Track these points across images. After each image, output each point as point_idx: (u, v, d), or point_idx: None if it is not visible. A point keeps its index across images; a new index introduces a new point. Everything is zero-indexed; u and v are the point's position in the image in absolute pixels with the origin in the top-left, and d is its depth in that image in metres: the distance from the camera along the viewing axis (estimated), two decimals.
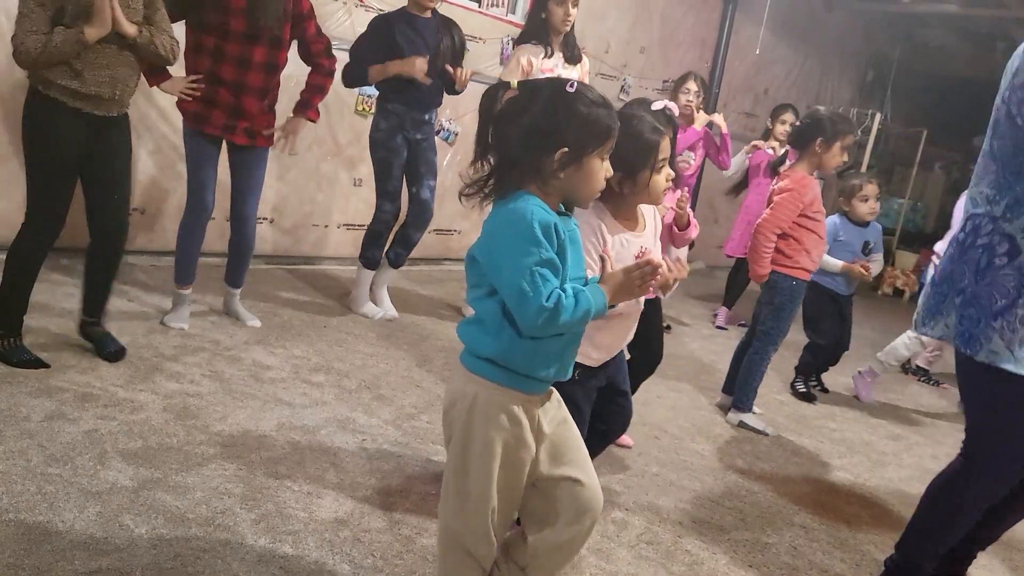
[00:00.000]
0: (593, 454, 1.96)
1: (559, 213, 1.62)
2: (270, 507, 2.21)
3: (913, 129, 9.40)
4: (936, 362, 5.27)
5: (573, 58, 4.08)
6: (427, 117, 4.03)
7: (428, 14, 3.88)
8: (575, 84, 1.60)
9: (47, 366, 2.79)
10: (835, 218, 4.19)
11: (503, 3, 5.65)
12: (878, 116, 8.55)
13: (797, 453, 3.45)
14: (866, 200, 4.13)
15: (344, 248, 5.20)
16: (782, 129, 5.45)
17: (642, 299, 2.25)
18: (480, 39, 5.49)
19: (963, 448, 2.25)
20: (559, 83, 1.61)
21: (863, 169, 8.44)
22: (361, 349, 3.63)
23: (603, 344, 2.26)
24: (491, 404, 1.61)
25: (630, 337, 2.38)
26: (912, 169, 9.21)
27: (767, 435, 3.56)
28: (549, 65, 3.99)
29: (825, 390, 4.46)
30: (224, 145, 3.48)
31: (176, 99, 3.37)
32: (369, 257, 4.11)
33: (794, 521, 2.79)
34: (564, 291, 1.54)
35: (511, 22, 5.72)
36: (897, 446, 3.81)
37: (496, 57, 5.67)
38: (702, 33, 7.33)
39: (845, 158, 3.47)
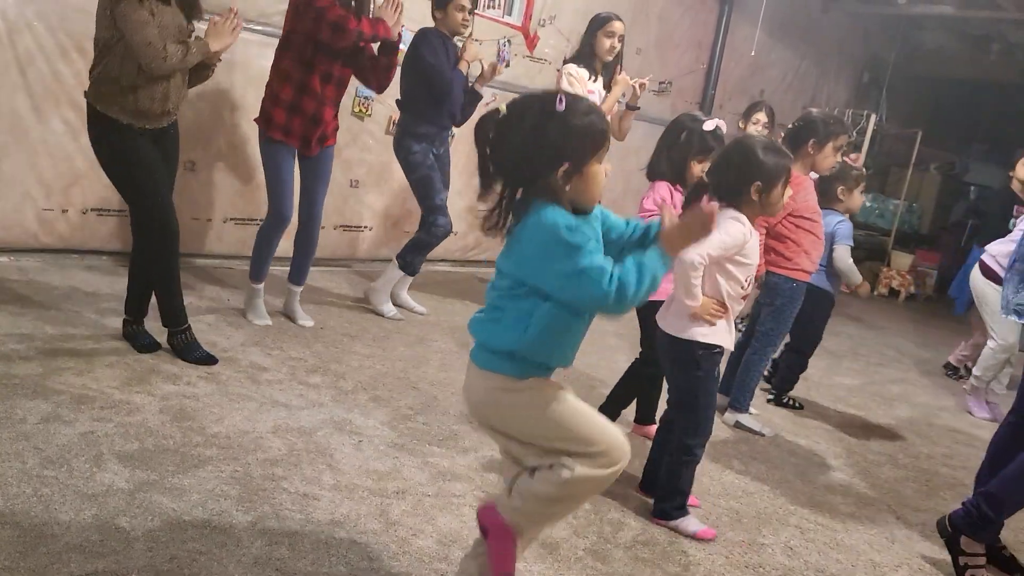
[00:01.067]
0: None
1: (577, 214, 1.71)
2: (266, 509, 2.21)
3: (908, 130, 9.41)
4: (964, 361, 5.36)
5: (609, 84, 4.46)
6: (448, 135, 4.35)
7: (455, 39, 4.19)
8: (563, 99, 1.65)
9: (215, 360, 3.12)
10: (836, 215, 4.00)
11: (500, 5, 5.66)
12: (873, 117, 8.56)
13: (793, 453, 3.46)
14: (863, 192, 4.08)
15: (340, 249, 5.20)
16: (754, 130, 5.43)
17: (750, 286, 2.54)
18: (477, 40, 5.49)
19: None
20: (547, 101, 1.66)
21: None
22: (358, 350, 3.63)
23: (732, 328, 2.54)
24: (512, 384, 1.75)
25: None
26: (907, 170, 9.22)
27: (764, 435, 3.57)
28: (593, 88, 4.35)
29: (801, 407, 4.14)
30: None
31: (259, 111, 3.62)
32: (409, 262, 4.30)
33: (790, 521, 2.79)
34: (624, 267, 1.62)
35: (508, 24, 5.72)
36: (892, 446, 3.82)
37: (492, 58, 5.67)
38: (698, 35, 7.34)
39: (839, 158, 3.47)
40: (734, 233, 2.43)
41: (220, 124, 4.41)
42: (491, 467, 2.73)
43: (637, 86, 4.50)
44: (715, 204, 1.74)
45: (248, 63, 4.31)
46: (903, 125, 9.74)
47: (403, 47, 4.10)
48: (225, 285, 4.19)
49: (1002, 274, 3.92)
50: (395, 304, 4.36)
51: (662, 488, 2.60)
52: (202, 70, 3.13)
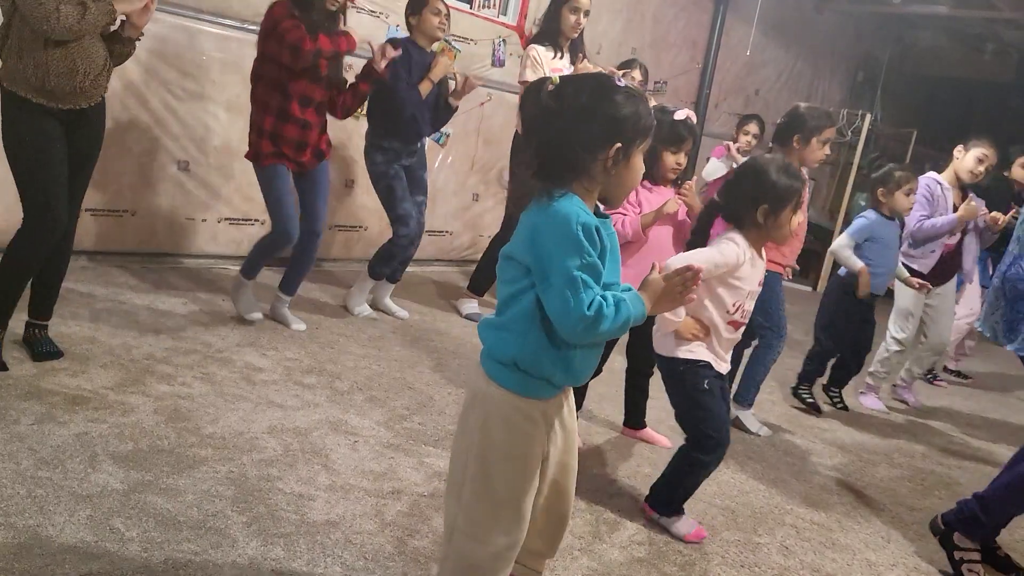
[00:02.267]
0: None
1: (597, 215, 1.60)
2: (262, 509, 2.21)
3: (903, 130, 9.44)
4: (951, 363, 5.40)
5: (574, 64, 4.34)
6: (420, 145, 4.22)
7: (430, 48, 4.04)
8: (622, 79, 1.59)
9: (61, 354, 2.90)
10: (870, 213, 4.01)
11: (495, 4, 5.65)
12: (868, 117, 8.58)
13: (789, 453, 3.46)
14: (911, 194, 4.01)
15: (336, 249, 5.20)
16: (745, 140, 5.62)
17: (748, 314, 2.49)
18: (472, 40, 5.49)
19: None
20: (606, 78, 1.59)
21: (853, 170, 8.48)
22: (353, 351, 3.63)
23: (723, 356, 2.50)
24: (507, 408, 1.60)
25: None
26: None
27: (759, 436, 3.57)
28: (558, 65, 4.25)
29: (846, 408, 4.23)
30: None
31: (249, 149, 3.58)
32: (377, 271, 4.24)
33: (785, 521, 2.79)
34: (605, 299, 1.52)
35: (503, 23, 5.72)
36: (888, 446, 3.83)
37: (488, 59, 5.67)
38: (693, 34, 7.35)
39: (827, 152, 3.45)
40: (727, 252, 2.38)
41: (214, 124, 4.40)
42: None
43: (614, 71, 4.46)
44: (701, 266, 1.68)
45: (242, 62, 4.30)
46: (898, 124, 9.76)
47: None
48: (219, 286, 4.18)
49: (905, 260, 4.26)
50: (376, 308, 4.32)
51: (662, 479, 2.59)
52: (119, 45, 2.86)
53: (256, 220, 4.68)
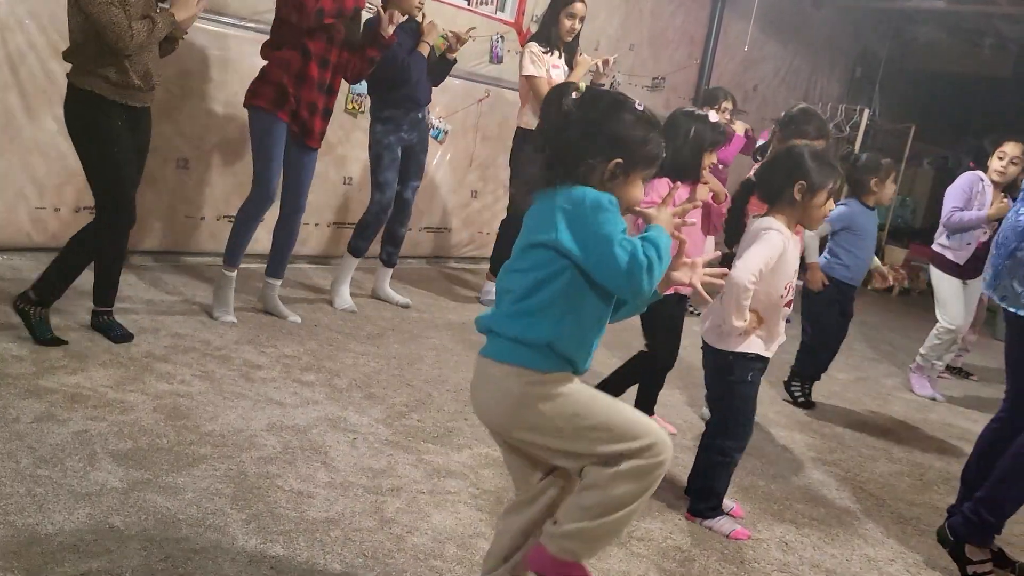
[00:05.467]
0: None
1: None
2: (261, 507, 2.21)
3: (901, 125, 9.43)
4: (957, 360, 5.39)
5: (571, 63, 4.57)
6: (421, 116, 4.25)
7: (408, 18, 4.01)
8: (642, 104, 1.69)
9: (65, 343, 2.99)
10: (852, 203, 4.03)
11: (492, 1, 5.64)
12: (866, 112, 8.57)
13: (787, 449, 3.47)
14: (895, 181, 4.20)
15: (335, 247, 5.19)
16: (721, 119, 5.53)
17: (790, 294, 2.56)
18: (470, 37, 5.47)
19: None
20: (626, 98, 1.70)
21: None
22: (352, 348, 3.63)
23: (779, 334, 2.58)
24: (544, 382, 1.65)
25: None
26: (901, 165, 9.24)
27: None
28: (555, 63, 4.51)
29: (813, 405, 4.14)
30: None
31: (250, 90, 3.60)
32: (356, 247, 4.26)
33: (784, 517, 2.80)
34: (641, 242, 1.60)
35: (501, 20, 5.71)
36: (887, 441, 3.83)
37: (486, 55, 5.67)
38: (691, 30, 7.34)
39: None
40: (775, 243, 2.48)
41: (213, 121, 4.39)
42: (486, 464, 2.73)
43: (600, 64, 4.52)
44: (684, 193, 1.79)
45: (242, 61, 4.30)
46: (896, 120, 9.76)
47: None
48: None
49: (940, 250, 4.53)
50: (376, 297, 4.44)
51: (696, 486, 2.68)
52: (167, 43, 3.14)
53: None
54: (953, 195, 4.49)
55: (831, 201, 2.53)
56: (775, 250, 2.47)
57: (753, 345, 2.54)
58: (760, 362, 2.57)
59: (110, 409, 2.59)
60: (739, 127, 5.25)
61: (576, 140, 1.65)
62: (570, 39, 4.51)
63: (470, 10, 5.49)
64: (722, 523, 2.60)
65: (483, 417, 1.75)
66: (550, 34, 4.49)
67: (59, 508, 2.02)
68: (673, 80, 7.22)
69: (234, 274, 3.69)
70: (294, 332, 3.69)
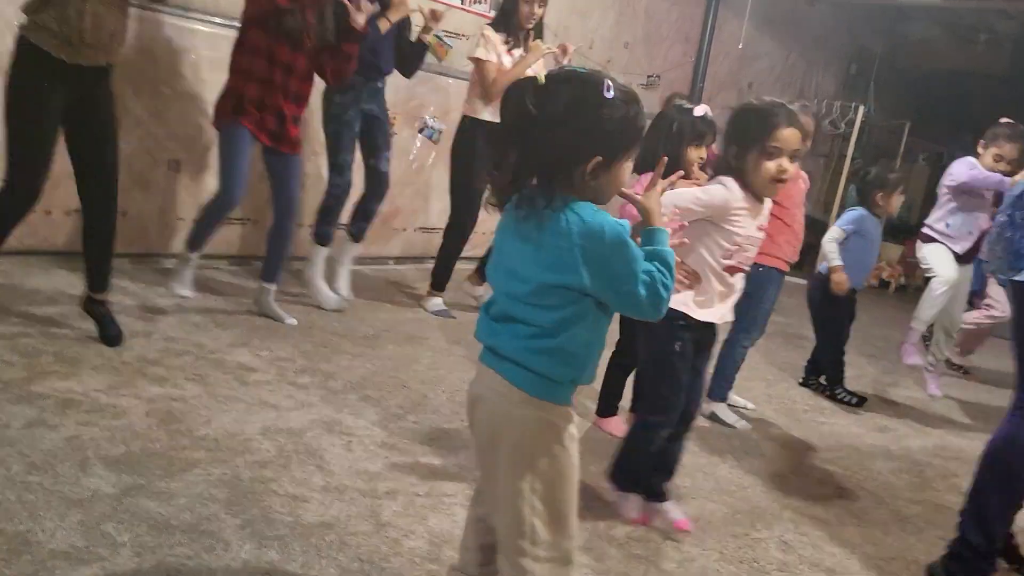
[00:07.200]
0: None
1: None
2: (255, 512, 2.18)
3: (896, 122, 9.43)
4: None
5: (526, 48, 4.30)
6: (380, 85, 4.14)
7: None
8: (611, 87, 1.49)
9: None
10: (860, 211, 4.12)
11: (485, 0, 5.62)
12: (861, 109, 8.57)
13: (786, 447, 3.45)
14: (904, 194, 4.15)
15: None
16: None
17: (752, 257, 2.45)
18: (463, 36, 5.46)
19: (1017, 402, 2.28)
20: (594, 86, 1.49)
21: (847, 162, 8.47)
22: (347, 350, 3.60)
23: (719, 306, 2.42)
24: (563, 420, 1.58)
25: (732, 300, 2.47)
26: (895, 162, 9.24)
27: (735, 428, 3.54)
28: (515, 53, 4.28)
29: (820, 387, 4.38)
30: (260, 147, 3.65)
31: (217, 114, 3.58)
32: (321, 233, 4.17)
33: (784, 515, 2.78)
34: (651, 271, 1.52)
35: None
36: (885, 438, 3.82)
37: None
38: (686, 28, 7.33)
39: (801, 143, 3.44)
40: (713, 192, 2.35)
41: (205, 123, 4.36)
42: None
43: (558, 51, 4.33)
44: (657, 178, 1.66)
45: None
46: (891, 117, 9.76)
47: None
48: (211, 287, 4.14)
49: (938, 236, 4.48)
50: (332, 284, 4.28)
51: (617, 455, 2.56)
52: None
53: (248, 219, 4.65)
54: (959, 168, 4.41)
55: (782, 161, 2.31)
56: (710, 198, 2.33)
57: (682, 305, 2.35)
58: (690, 331, 2.40)
59: (102, 414, 2.56)
60: (699, 112, 4.98)
61: (547, 145, 1.48)
62: (531, 25, 4.27)
63: (464, 9, 5.47)
64: (628, 504, 2.51)
65: (485, 427, 1.62)
66: (508, 22, 4.26)
67: (50, 515, 2.00)
68: (668, 78, 7.20)
69: (195, 256, 3.74)
70: (288, 334, 3.67)
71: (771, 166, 2.31)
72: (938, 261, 4.52)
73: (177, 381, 2.92)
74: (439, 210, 5.72)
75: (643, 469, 2.53)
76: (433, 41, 4.20)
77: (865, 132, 9.06)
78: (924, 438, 3.92)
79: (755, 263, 3.46)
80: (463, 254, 4.58)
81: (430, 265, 4.66)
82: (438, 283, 4.55)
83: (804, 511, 2.85)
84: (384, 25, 3.93)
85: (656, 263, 1.53)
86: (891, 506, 3.03)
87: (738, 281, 2.46)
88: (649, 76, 6.95)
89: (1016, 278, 2.28)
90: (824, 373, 4.34)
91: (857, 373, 4.91)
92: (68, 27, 2.68)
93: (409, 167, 5.51)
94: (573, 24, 6.16)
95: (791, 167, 2.33)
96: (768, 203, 2.47)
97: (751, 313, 3.54)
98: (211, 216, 3.70)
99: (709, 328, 2.48)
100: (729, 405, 3.69)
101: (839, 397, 4.23)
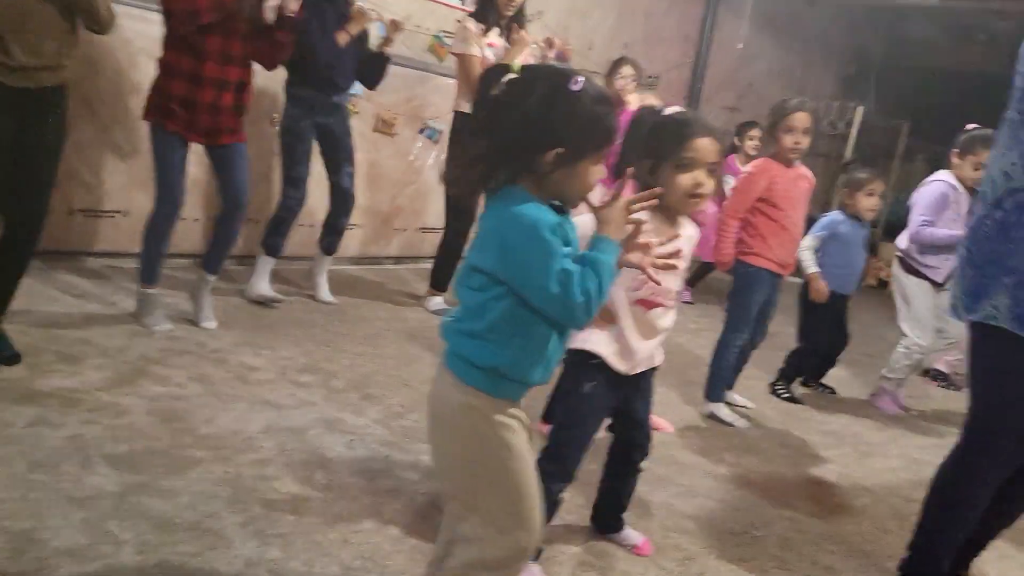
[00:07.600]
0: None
1: (558, 212, 1.54)
2: (258, 510, 2.19)
3: (896, 121, 9.44)
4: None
5: (511, 40, 4.23)
6: (336, 100, 4.07)
7: None
8: (580, 82, 1.49)
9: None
10: (836, 214, 4.09)
11: None
12: (860, 109, 8.58)
13: (785, 445, 3.46)
14: (871, 195, 3.99)
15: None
16: (751, 144, 5.78)
17: (673, 289, 2.16)
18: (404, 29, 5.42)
19: (967, 429, 2.28)
20: (563, 77, 1.51)
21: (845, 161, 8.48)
22: (348, 349, 3.62)
23: (638, 347, 2.14)
24: (490, 410, 1.55)
25: (660, 341, 2.20)
26: (894, 161, 9.25)
27: (734, 427, 3.55)
28: (494, 40, 4.21)
29: (832, 391, 4.38)
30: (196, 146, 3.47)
31: (146, 110, 3.35)
32: (270, 244, 4.11)
33: (783, 514, 2.79)
34: (574, 272, 1.46)
35: None
36: (883, 436, 3.83)
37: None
38: (685, 28, 7.34)
39: (796, 140, 3.42)
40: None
41: None
42: None
43: (544, 44, 4.26)
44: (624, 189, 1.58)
45: None
46: (890, 116, 9.77)
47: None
48: (213, 286, 4.14)
49: (921, 268, 4.01)
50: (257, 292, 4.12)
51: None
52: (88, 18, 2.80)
53: (249, 219, 4.65)
54: (923, 204, 3.98)
55: (700, 173, 2.07)
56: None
57: (594, 343, 2.11)
58: (602, 373, 2.13)
59: (105, 413, 2.57)
60: (635, 99, 4.61)
61: (509, 131, 1.49)
62: (510, 13, 4.19)
63: (463, 9, 5.48)
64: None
65: (429, 425, 1.65)
66: (488, 11, 4.18)
67: (54, 513, 2.01)
68: (667, 79, 7.21)
69: (154, 291, 3.46)
70: (290, 334, 3.68)
71: (686, 179, 2.08)
72: (920, 307, 4.06)
73: (179, 380, 2.93)
74: (439, 210, 5.72)
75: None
76: (433, 42, 4.19)
77: (864, 132, 9.07)
78: (922, 437, 3.93)
79: (741, 262, 3.50)
80: (463, 253, 4.57)
81: (424, 265, 4.65)
82: (439, 282, 4.56)
83: (803, 509, 2.86)
84: (343, 38, 3.85)
85: (586, 267, 1.48)
86: (889, 503, 3.04)
87: (660, 318, 2.17)
88: (648, 77, 6.95)
89: (972, 318, 2.15)
90: (812, 372, 4.33)
91: (856, 371, 4.92)
92: (5, 53, 2.61)
93: (409, 167, 5.51)
94: (573, 24, 6.17)
95: (708, 181, 2.10)
96: (689, 224, 2.21)
97: (736, 312, 3.55)
98: (156, 235, 3.44)
99: (621, 384, 2.19)
100: (728, 404, 3.70)
101: (777, 389, 4.14)
